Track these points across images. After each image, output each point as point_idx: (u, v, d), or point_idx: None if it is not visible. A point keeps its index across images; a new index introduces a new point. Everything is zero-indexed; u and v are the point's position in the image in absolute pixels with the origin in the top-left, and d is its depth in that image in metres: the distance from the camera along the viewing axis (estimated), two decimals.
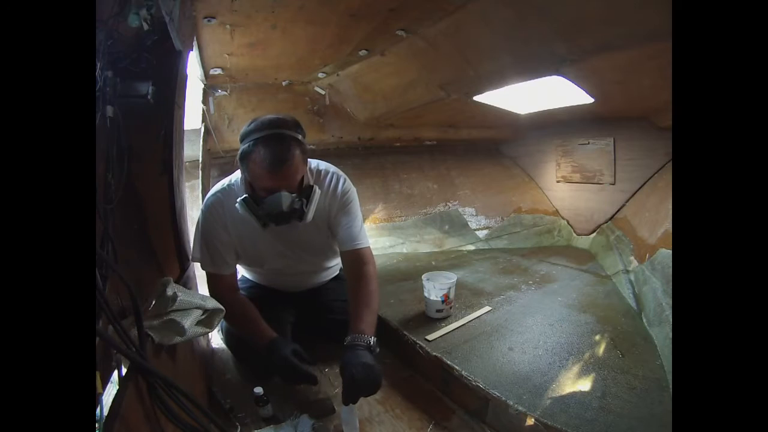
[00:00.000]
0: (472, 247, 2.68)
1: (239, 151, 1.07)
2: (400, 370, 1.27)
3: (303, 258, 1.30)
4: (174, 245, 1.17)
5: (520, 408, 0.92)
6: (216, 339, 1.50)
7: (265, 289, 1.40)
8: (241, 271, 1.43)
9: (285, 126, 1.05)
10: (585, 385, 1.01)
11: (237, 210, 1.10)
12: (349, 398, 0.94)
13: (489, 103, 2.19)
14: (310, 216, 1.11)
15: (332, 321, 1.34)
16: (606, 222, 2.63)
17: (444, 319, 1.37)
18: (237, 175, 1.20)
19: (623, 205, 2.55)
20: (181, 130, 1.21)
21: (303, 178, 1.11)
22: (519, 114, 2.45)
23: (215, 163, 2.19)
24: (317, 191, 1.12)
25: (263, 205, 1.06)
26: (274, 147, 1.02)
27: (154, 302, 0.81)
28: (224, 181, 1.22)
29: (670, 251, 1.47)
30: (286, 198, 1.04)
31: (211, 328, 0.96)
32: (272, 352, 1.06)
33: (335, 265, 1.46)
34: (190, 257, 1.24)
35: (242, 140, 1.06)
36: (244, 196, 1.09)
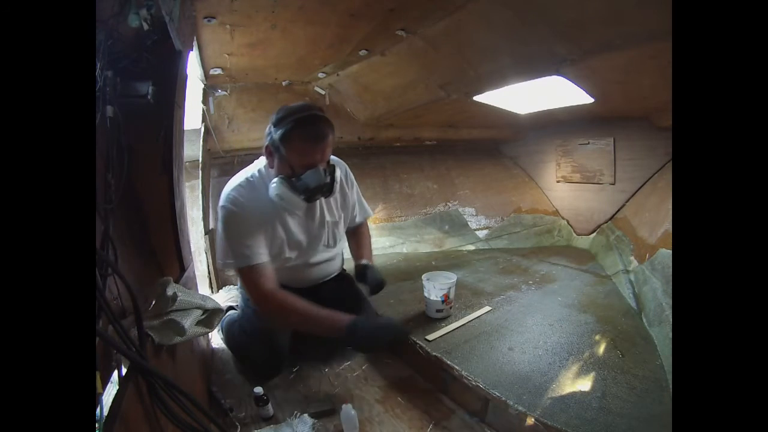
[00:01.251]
0: (472, 247, 2.68)
1: (277, 134, 1.11)
2: (400, 370, 1.27)
3: (315, 247, 1.33)
4: (174, 245, 1.17)
5: (520, 408, 0.92)
6: (216, 339, 1.50)
7: None
8: None
9: (316, 108, 1.16)
10: (585, 385, 1.01)
11: (260, 202, 1.15)
12: (374, 290, 1.31)
13: (489, 103, 2.19)
14: (336, 189, 1.22)
15: None
16: (606, 222, 2.63)
17: (444, 319, 1.37)
18: (252, 170, 1.23)
19: (623, 205, 2.56)
20: (181, 130, 1.21)
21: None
22: (519, 114, 2.45)
23: (215, 163, 2.19)
24: (338, 169, 1.21)
25: (302, 181, 1.13)
26: (316, 123, 1.12)
27: (154, 302, 0.81)
28: (240, 177, 1.22)
29: (670, 251, 1.47)
30: (323, 171, 1.15)
31: (211, 328, 0.96)
32: (366, 326, 1.09)
33: (339, 257, 1.50)
34: (220, 264, 1.20)
35: (277, 124, 1.12)
36: (280, 176, 1.13)
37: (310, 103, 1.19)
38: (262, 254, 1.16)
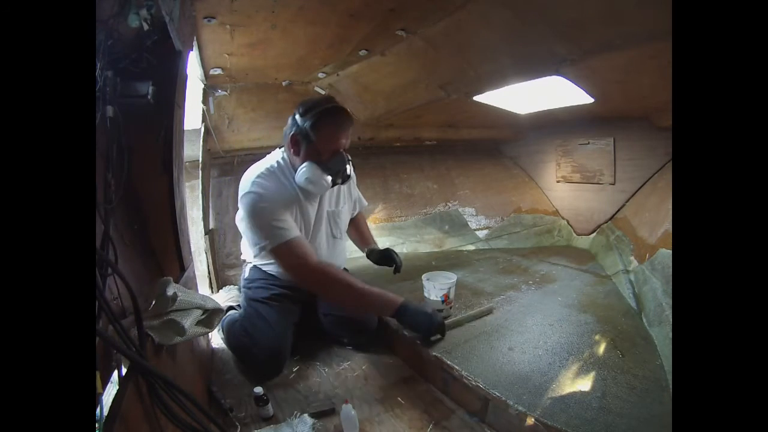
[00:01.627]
0: (472, 247, 2.68)
1: (306, 123, 1.21)
2: (400, 370, 1.27)
3: (320, 240, 1.37)
4: (174, 245, 1.17)
5: (520, 408, 0.92)
6: (216, 339, 1.50)
7: (273, 286, 1.40)
8: (255, 262, 1.42)
9: (336, 101, 1.29)
10: (585, 385, 1.01)
11: (283, 188, 1.22)
12: (399, 269, 1.50)
13: (489, 103, 2.18)
14: (352, 174, 1.34)
15: (331, 317, 1.37)
16: (606, 222, 2.63)
17: (444, 319, 1.37)
18: (270, 161, 1.29)
19: (623, 205, 2.55)
20: (181, 130, 1.21)
21: None
22: (519, 114, 2.45)
23: (215, 163, 2.19)
24: (348, 156, 1.31)
25: (329, 165, 1.23)
26: (341, 113, 1.25)
27: (154, 302, 0.81)
28: (259, 167, 1.27)
29: (670, 251, 1.47)
30: (346, 156, 1.27)
31: (211, 328, 0.96)
32: (416, 309, 1.20)
33: (344, 253, 1.53)
34: (259, 248, 1.21)
35: (304, 115, 1.22)
36: (308, 161, 1.22)
37: (331, 96, 1.32)
38: (295, 228, 1.21)
